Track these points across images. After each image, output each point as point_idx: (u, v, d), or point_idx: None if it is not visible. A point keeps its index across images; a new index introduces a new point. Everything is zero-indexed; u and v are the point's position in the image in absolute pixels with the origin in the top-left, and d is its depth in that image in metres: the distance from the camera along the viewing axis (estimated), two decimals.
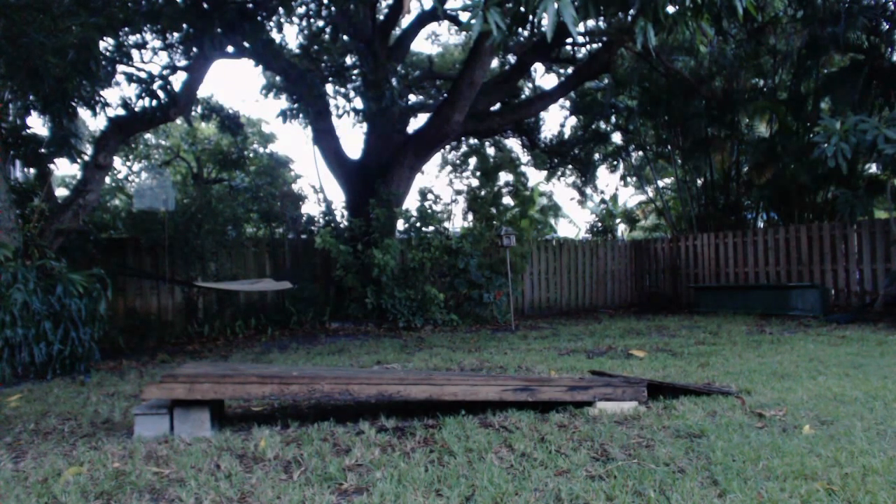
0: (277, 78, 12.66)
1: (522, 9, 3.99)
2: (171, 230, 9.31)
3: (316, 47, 12.04)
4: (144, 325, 9.24)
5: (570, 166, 16.97)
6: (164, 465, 2.88)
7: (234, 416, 3.97)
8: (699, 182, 14.50)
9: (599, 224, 18.41)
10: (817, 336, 7.26)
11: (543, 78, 38.56)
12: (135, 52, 9.20)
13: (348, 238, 10.20)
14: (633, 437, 3.15)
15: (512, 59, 14.01)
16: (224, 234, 10.07)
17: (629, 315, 11.39)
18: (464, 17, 11.71)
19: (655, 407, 3.74)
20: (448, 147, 17.14)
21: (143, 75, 8.20)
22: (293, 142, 49.44)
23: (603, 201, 19.07)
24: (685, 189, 14.62)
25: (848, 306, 10.05)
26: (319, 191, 15.97)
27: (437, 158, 18.89)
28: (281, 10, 9.57)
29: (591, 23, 12.23)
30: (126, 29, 8.41)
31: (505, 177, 19.64)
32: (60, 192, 14.27)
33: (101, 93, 7.52)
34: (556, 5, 3.47)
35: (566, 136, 15.90)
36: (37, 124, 34.57)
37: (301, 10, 10.89)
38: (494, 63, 14.16)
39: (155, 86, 8.06)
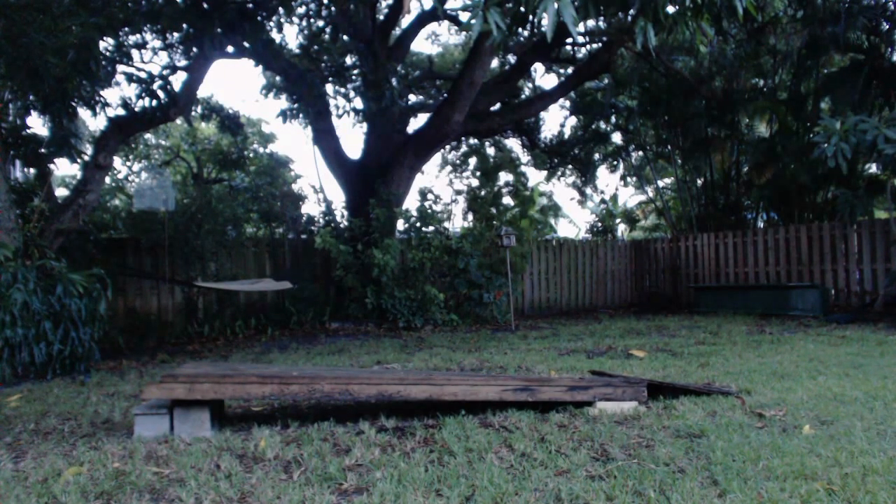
0: (277, 78, 12.66)
1: (522, 9, 3.99)
2: (171, 230, 9.31)
3: (316, 47, 12.04)
4: (144, 325, 9.24)
5: (570, 166, 16.97)
6: (164, 465, 2.88)
7: (234, 416, 3.97)
8: (699, 182, 14.50)
9: (599, 224, 18.41)
10: (817, 336, 7.26)
11: (543, 78, 38.60)
12: (135, 52, 9.21)
13: (348, 238, 10.20)
14: (633, 437, 3.15)
15: (512, 59, 14.01)
16: (224, 234, 10.07)
17: (629, 315, 11.39)
18: (464, 17, 11.71)
19: (655, 407, 3.74)
20: (448, 147, 17.14)
21: (143, 75, 8.20)
22: (293, 142, 49.46)
23: (603, 201, 19.07)
24: (685, 189, 14.62)
25: (848, 306, 10.05)
26: (319, 191, 15.99)
27: (437, 158, 18.91)
28: (281, 10, 9.58)
29: (591, 23, 12.23)
30: (126, 29, 8.41)
31: (505, 177, 19.66)
32: (60, 192, 14.27)
33: (101, 93, 7.52)
34: (556, 5, 3.47)
35: (566, 136, 15.90)
36: (37, 124, 34.62)
37: (301, 10, 10.90)
38: (494, 63, 14.16)
39: (155, 86, 8.07)
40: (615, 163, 17.07)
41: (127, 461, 2.93)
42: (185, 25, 8.01)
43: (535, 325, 10.09)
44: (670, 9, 4.17)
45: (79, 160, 8.34)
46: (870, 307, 9.51)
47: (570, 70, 13.62)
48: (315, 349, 7.38)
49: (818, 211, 12.01)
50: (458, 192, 18.52)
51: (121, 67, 8.69)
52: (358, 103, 11.45)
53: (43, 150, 7.95)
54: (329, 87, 11.63)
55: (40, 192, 7.75)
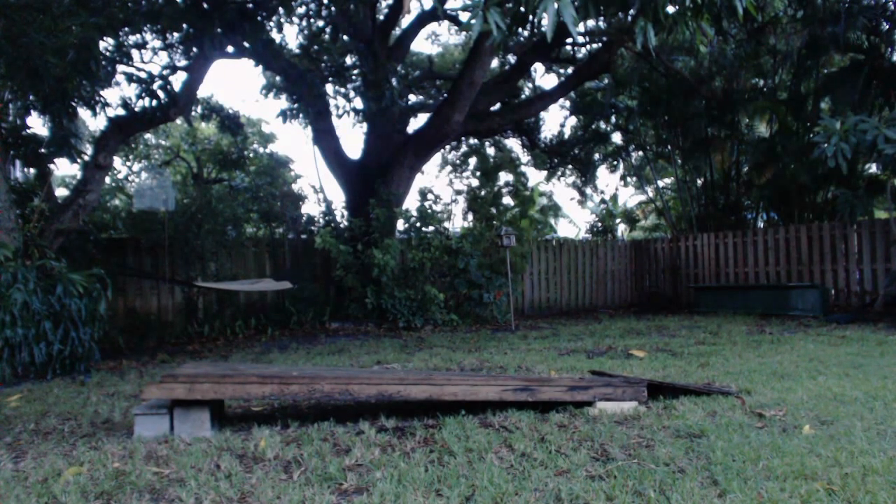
0: (277, 78, 12.66)
1: (522, 9, 3.99)
2: (171, 230, 9.31)
3: (316, 47, 12.04)
4: (144, 325, 9.24)
5: (570, 166, 16.97)
6: (164, 465, 2.88)
7: (234, 416, 3.97)
8: (699, 182, 14.50)
9: (599, 224, 18.41)
10: (817, 336, 7.26)
11: (543, 78, 38.60)
12: (135, 52, 9.21)
13: (348, 238, 10.20)
14: (633, 437, 3.15)
15: (512, 59, 14.01)
16: (224, 234, 10.07)
17: (629, 315, 11.39)
18: (464, 17, 11.71)
19: (655, 407, 3.74)
20: (448, 147, 17.14)
21: (143, 75, 8.20)
22: (293, 142, 49.46)
23: (603, 201, 19.07)
24: (685, 189, 14.62)
25: (848, 306, 10.05)
26: (319, 191, 15.98)
27: (437, 158, 18.92)
28: (281, 10, 9.57)
29: (591, 23, 12.23)
30: (126, 29, 8.41)
31: (505, 177, 19.66)
32: (60, 192, 14.28)
33: (101, 93, 7.52)
34: (556, 5, 3.47)
35: (566, 136, 15.90)
36: (37, 124, 34.62)
37: (301, 10, 10.90)
38: (494, 63, 14.16)
39: (155, 86, 8.07)
40: (615, 163, 17.07)
41: (127, 461, 2.94)
42: (185, 25, 8.01)
43: (535, 325, 10.09)
44: (670, 9, 4.17)
45: (79, 160, 8.34)
46: (870, 307, 9.51)
47: (570, 70, 13.62)
48: (315, 349, 7.38)
49: (818, 211, 12.01)
50: (458, 192, 18.53)
51: (121, 67, 8.70)
52: (358, 103, 11.45)
53: (43, 150, 7.95)
54: (329, 87, 11.64)
55: (40, 192, 7.75)
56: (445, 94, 12.50)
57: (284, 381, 3.46)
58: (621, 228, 19.79)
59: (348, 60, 12.50)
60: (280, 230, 11.83)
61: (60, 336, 5.85)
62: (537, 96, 13.64)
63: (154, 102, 8.00)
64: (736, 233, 12.20)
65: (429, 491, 2.47)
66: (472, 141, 17.15)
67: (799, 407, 3.66)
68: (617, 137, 16.11)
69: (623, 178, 18.45)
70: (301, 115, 11.45)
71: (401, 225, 10.74)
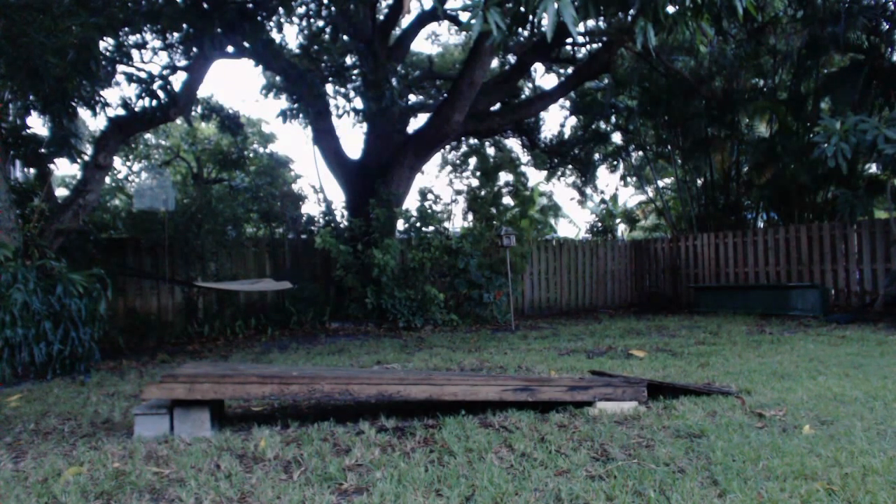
0: (277, 78, 12.65)
1: (522, 9, 3.99)
2: (171, 230, 9.31)
3: (316, 47, 12.04)
4: (144, 325, 9.24)
5: (570, 166, 16.97)
6: (164, 465, 2.88)
7: (234, 416, 3.97)
8: (699, 182, 14.50)
9: (599, 224, 18.41)
10: (817, 336, 7.26)
11: (543, 78, 38.60)
12: (135, 52, 9.21)
13: (348, 238, 10.20)
14: (633, 437, 3.15)
15: (512, 59, 14.01)
16: (224, 234, 10.07)
17: (629, 315, 11.39)
18: (464, 17, 11.71)
19: (655, 407, 3.74)
20: (448, 147, 17.14)
21: (143, 75, 8.20)
22: (293, 142, 49.47)
23: (603, 201, 19.07)
24: (685, 189, 14.62)
25: (848, 306, 10.05)
26: (319, 191, 15.98)
27: (437, 158, 18.91)
28: (281, 10, 9.57)
29: (591, 23, 12.23)
30: (126, 29, 8.41)
31: (505, 177, 19.66)
32: (60, 192, 14.27)
33: (101, 93, 7.52)
34: (556, 5, 3.47)
35: (566, 136, 15.90)
36: (37, 124, 34.61)
37: (301, 10, 10.90)
38: (494, 63, 14.16)
39: (155, 86, 8.06)
40: (615, 163, 17.07)
41: (127, 461, 2.94)
42: (185, 25, 8.01)
43: (535, 325, 10.09)
44: (670, 9, 4.17)
45: (79, 160, 8.34)
46: (870, 307, 9.51)
47: (570, 70, 13.62)
48: (315, 349, 7.38)
49: (818, 211, 12.01)
50: (458, 192, 18.53)
51: (121, 67, 8.70)
52: (358, 103, 11.46)
53: (43, 150, 7.95)
54: (329, 87, 11.64)
55: (40, 192, 7.75)
56: (445, 94, 12.49)
57: (284, 381, 3.46)
58: (621, 228, 19.80)
59: (348, 60, 12.50)
60: (280, 230, 11.83)
61: (60, 336, 5.85)
62: (537, 96, 13.64)
63: (154, 102, 8.00)
64: (736, 233, 12.20)
65: (429, 491, 2.47)
66: (472, 141, 17.15)
67: (799, 407, 3.66)
68: (617, 137, 16.11)
69: (623, 178, 18.46)
70: (301, 115, 11.45)
71: (401, 225, 10.74)
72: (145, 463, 2.90)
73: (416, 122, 14.18)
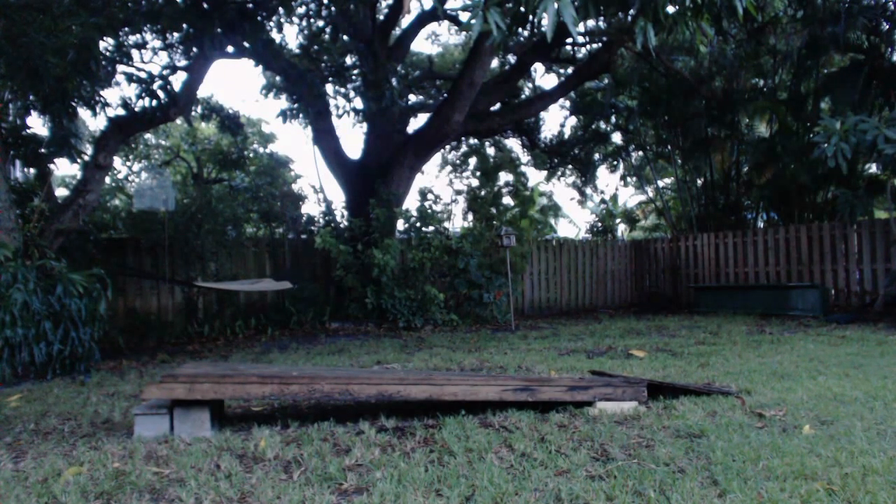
0: (277, 78, 12.65)
1: (522, 9, 3.99)
2: (171, 230, 9.31)
3: (316, 47, 12.04)
4: (144, 325, 9.24)
5: (570, 166, 16.97)
6: (164, 465, 2.88)
7: (234, 416, 3.97)
8: (699, 182, 14.50)
9: (599, 224, 18.41)
10: (817, 336, 7.26)
11: (543, 78, 38.60)
12: (135, 52, 9.21)
13: (348, 238, 10.20)
14: (633, 437, 3.15)
15: (512, 59, 14.01)
16: (224, 234, 10.07)
17: (629, 315, 11.39)
18: (464, 17, 11.71)
19: (655, 407, 3.74)
20: (448, 147, 17.14)
21: (143, 75, 8.20)
22: (293, 142, 49.47)
23: (603, 201, 19.07)
24: (685, 189, 14.63)
25: (848, 306, 10.05)
26: (319, 191, 15.99)
27: (437, 158, 18.92)
28: (281, 10, 9.57)
29: (591, 23, 12.23)
30: (126, 29, 8.41)
31: (505, 177, 19.66)
32: (60, 192, 14.28)
33: (101, 93, 7.52)
34: (556, 5, 3.47)
35: (566, 136, 15.90)
36: (37, 124, 34.62)
37: (301, 10, 10.89)
38: (494, 63, 14.16)
39: (155, 86, 8.06)
40: (615, 163, 17.07)
41: (127, 461, 2.94)
42: (185, 25, 8.01)
43: (535, 325, 10.09)
44: (670, 9, 4.17)
45: (79, 160, 8.34)
46: (870, 307, 9.51)
47: (570, 70, 13.62)
48: (315, 349, 7.38)
49: (818, 211, 12.01)
50: (458, 192, 18.53)
51: (121, 67, 8.70)
52: (358, 103, 11.46)
53: (43, 150, 7.95)
54: (329, 87, 11.64)
55: (40, 192, 7.75)
56: (445, 94, 12.50)
57: (284, 381, 3.46)
58: (621, 228, 19.80)
59: (348, 60, 12.50)
60: (280, 230, 11.83)
61: (60, 336, 5.85)
62: (537, 96, 13.63)
63: (154, 102, 8.00)
64: (736, 233, 12.20)
65: (429, 491, 2.47)
66: (472, 141, 17.15)
67: (799, 407, 3.66)
68: (617, 137, 16.11)
69: (623, 178, 18.46)
70: (301, 115, 11.45)
71: (401, 225, 10.74)
72: (145, 463, 2.90)
73: (416, 122, 14.20)
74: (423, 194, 10.83)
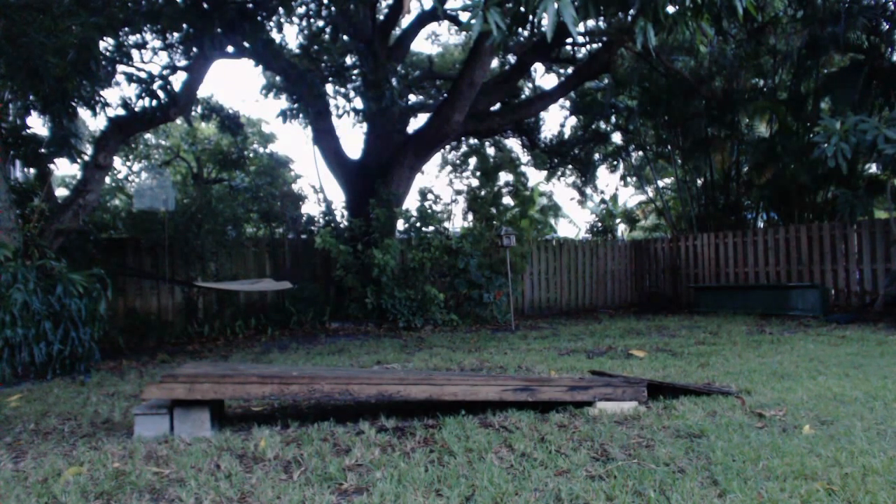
0: (277, 78, 12.66)
1: (522, 9, 3.99)
2: (171, 230, 9.31)
3: (316, 47, 12.04)
4: (144, 325, 9.24)
5: (570, 166, 16.97)
6: (164, 465, 2.88)
7: (234, 416, 3.97)
8: (699, 182, 14.50)
9: (599, 224, 18.41)
10: (817, 336, 7.26)
11: (543, 78, 38.60)
12: (135, 52, 9.21)
13: (348, 238, 10.20)
14: (633, 437, 3.15)
15: (512, 59, 14.01)
16: (224, 234, 10.07)
17: (629, 315, 11.39)
18: (464, 17, 11.71)
19: (655, 407, 3.74)
20: (448, 147, 17.14)
21: (143, 75, 8.20)
22: (293, 142, 49.47)
23: (603, 201, 19.07)
24: (685, 189, 14.63)
25: (848, 306, 10.05)
26: (319, 191, 15.99)
27: (437, 158, 18.92)
28: (281, 10, 9.57)
29: (591, 23, 12.23)
30: (126, 29, 8.41)
31: (505, 177, 19.66)
32: (60, 192, 14.28)
33: (101, 93, 7.52)
34: (556, 5, 3.47)
35: (566, 136, 15.91)
36: (37, 124, 34.61)
37: (301, 10, 10.90)
38: (494, 63, 14.16)
39: (155, 86, 8.06)
40: (615, 163, 17.07)
41: (127, 461, 2.94)
42: (185, 25, 8.01)
43: (535, 325, 10.09)
44: (670, 9, 4.17)
45: (79, 160, 8.34)
46: (870, 307, 9.51)
47: (570, 70, 13.62)
48: (315, 349, 7.38)
49: (818, 211, 12.01)
50: (458, 192, 18.53)
51: (121, 67, 8.70)
52: (358, 103, 11.45)
53: (43, 150, 7.95)
54: (329, 87, 11.64)
55: (40, 192, 7.75)
56: (445, 94, 12.50)
57: (284, 381, 3.46)
58: (621, 228, 19.80)
59: (348, 60, 12.49)
60: (280, 230, 11.83)
61: (60, 336, 5.85)
62: (537, 96, 13.64)
63: (154, 102, 8.00)
64: (736, 233, 12.20)
65: (429, 491, 2.47)
66: (472, 141, 17.15)
67: (799, 407, 3.66)
68: (617, 137, 16.11)
69: (623, 178, 18.46)
70: (301, 115, 11.45)
71: (401, 225, 10.74)
72: (145, 463, 2.90)
73: (416, 122, 14.20)
74: (423, 194, 10.83)
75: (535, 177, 34.43)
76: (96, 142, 8.46)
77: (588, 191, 18.74)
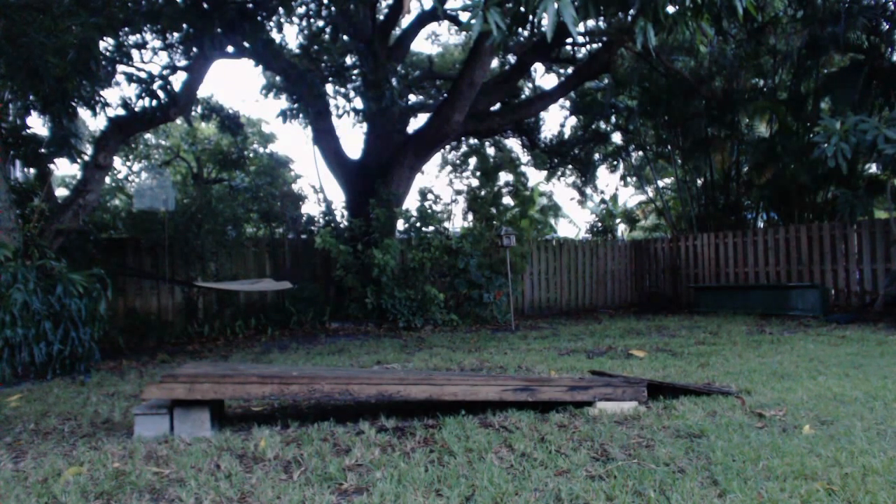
0: (277, 78, 12.66)
1: (522, 9, 3.99)
2: (171, 230, 9.31)
3: (316, 47, 12.04)
4: (144, 325, 9.24)
5: (570, 166, 16.97)
6: (164, 465, 2.88)
7: (234, 416, 3.97)
8: (699, 182, 14.51)
9: (599, 224, 18.41)
10: (817, 336, 7.26)
11: (543, 78, 38.60)
12: (135, 52, 9.21)
13: (348, 238, 10.20)
14: (633, 437, 3.15)
15: (512, 59, 14.02)
16: (224, 234, 10.07)
17: (629, 315, 11.39)
18: (464, 17, 11.71)
19: (655, 407, 3.74)
20: (448, 147, 17.15)
21: (143, 75, 8.20)
22: (293, 142, 49.48)
23: (603, 201, 19.07)
24: (685, 189, 14.63)
25: (848, 306, 10.05)
26: (319, 191, 15.99)
27: (437, 158, 18.92)
28: (281, 10, 9.57)
29: (591, 23, 12.23)
30: (126, 29, 8.41)
31: (505, 177, 19.67)
32: (60, 192, 14.28)
33: (101, 93, 7.51)
34: (556, 5, 3.47)
35: (566, 136, 15.91)
36: (37, 124, 34.61)
37: (301, 10, 10.90)
38: (494, 63, 14.16)
39: (155, 86, 8.06)
40: (615, 163, 17.07)
41: (127, 461, 2.94)
42: (185, 25, 8.01)
43: (535, 325, 10.09)
44: (670, 9, 4.17)
45: (79, 160, 8.34)
46: (870, 307, 9.51)
47: (570, 70, 13.62)
48: (315, 349, 7.38)
49: (818, 211, 12.01)
50: (458, 192, 18.53)
51: (121, 67, 8.70)
52: (358, 103, 11.46)
53: (43, 150, 7.95)
54: (329, 87, 11.64)
55: (40, 192, 7.75)
56: (445, 94, 12.50)
57: (284, 381, 3.46)
58: (621, 228, 19.80)
59: (348, 60, 12.50)
60: (280, 230, 11.83)
61: (60, 336, 5.85)
62: (537, 96, 13.64)
63: (154, 102, 8.00)
64: (736, 233, 12.20)
65: (429, 491, 2.47)
66: (472, 141, 17.15)
67: (799, 407, 3.66)
68: (617, 137, 16.11)
69: (623, 178, 18.46)
70: (301, 115, 11.45)
71: (401, 225, 10.74)
72: (145, 463, 2.90)
73: (416, 122, 14.20)
74: (423, 194, 10.83)
75: (535, 177, 34.47)
76: (96, 142, 8.46)
77: (588, 191, 18.75)
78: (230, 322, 9.59)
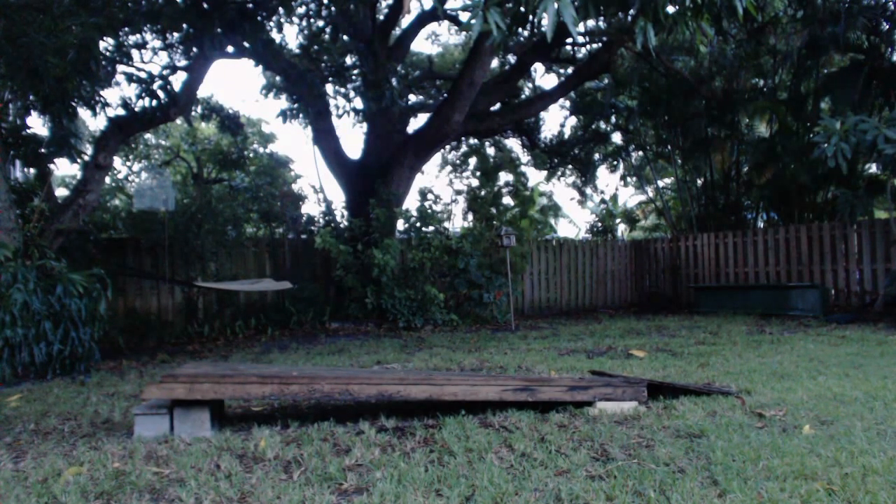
0: (277, 78, 12.66)
1: (522, 9, 3.99)
2: (171, 230, 9.31)
3: (316, 47, 12.04)
4: (144, 325, 9.24)
5: (570, 166, 16.98)
6: (164, 465, 2.88)
7: (234, 416, 3.97)
8: (699, 182, 14.50)
9: (599, 224, 18.41)
10: (817, 336, 7.26)
11: (543, 78, 38.59)
12: (135, 52, 9.21)
13: (348, 238, 10.20)
14: (633, 437, 3.15)
15: (512, 59, 14.02)
16: (224, 234, 10.07)
17: (629, 315, 11.39)
18: (464, 17, 11.71)
19: (655, 407, 3.74)
20: (448, 147, 17.15)
21: (143, 75, 8.21)
22: (293, 142, 49.49)
23: (603, 201, 19.07)
24: (685, 189, 14.63)
25: (848, 306, 10.05)
26: (319, 191, 15.98)
27: (437, 158, 18.92)
28: (281, 10, 9.57)
29: (591, 23, 12.23)
30: (126, 29, 8.41)
31: (505, 177, 19.67)
32: (60, 192, 14.28)
33: (101, 93, 7.52)
34: (556, 5, 3.47)
35: (566, 136, 15.91)
36: (37, 124, 34.62)
37: (301, 10, 10.90)
38: (494, 63, 14.16)
39: (155, 86, 8.07)
40: (615, 163, 17.07)
41: (127, 461, 2.94)
42: (185, 25, 8.01)
43: (535, 325, 10.09)
44: (670, 9, 4.17)
45: (79, 160, 8.35)
46: (870, 307, 9.51)
47: (570, 70, 13.62)
48: (315, 349, 7.38)
49: (818, 211, 12.01)
50: (458, 192, 18.53)
51: (121, 67, 8.70)
52: (358, 103, 11.46)
53: (43, 150, 7.95)
54: (329, 87, 11.64)
55: (40, 192, 7.75)
56: (445, 94, 12.50)
57: (284, 381, 3.46)
58: (621, 228, 19.80)
59: (348, 60, 12.50)
60: (280, 230, 11.83)
61: (60, 336, 5.85)
62: (537, 96, 13.64)
63: (154, 102, 8.00)
64: (736, 233, 12.20)
65: (429, 491, 2.47)
66: (472, 141, 17.16)
67: (799, 407, 3.66)
68: (617, 137, 16.11)
69: (623, 178, 18.46)
70: (301, 115, 11.45)
71: (401, 225, 10.74)
72: (145, 463, 2.90)
73: (416, 122, 14.20)
74: (423, 194, 10.83)
75: (535, 177, 34.49)
76: (96, 142, 8.46)
77: (588, 191, 18.75)
78: (230, 322, 9.59)
